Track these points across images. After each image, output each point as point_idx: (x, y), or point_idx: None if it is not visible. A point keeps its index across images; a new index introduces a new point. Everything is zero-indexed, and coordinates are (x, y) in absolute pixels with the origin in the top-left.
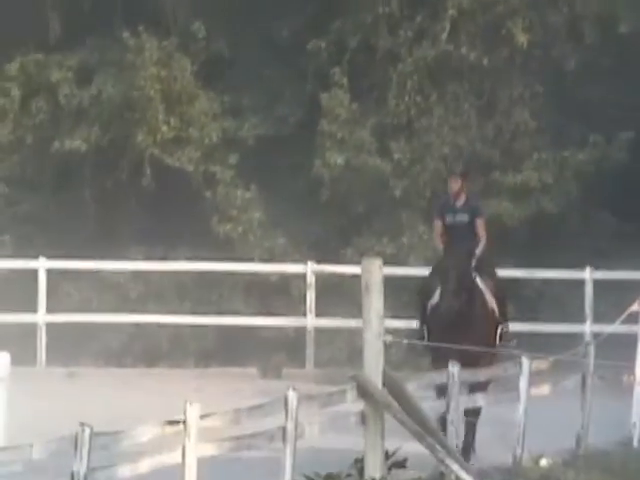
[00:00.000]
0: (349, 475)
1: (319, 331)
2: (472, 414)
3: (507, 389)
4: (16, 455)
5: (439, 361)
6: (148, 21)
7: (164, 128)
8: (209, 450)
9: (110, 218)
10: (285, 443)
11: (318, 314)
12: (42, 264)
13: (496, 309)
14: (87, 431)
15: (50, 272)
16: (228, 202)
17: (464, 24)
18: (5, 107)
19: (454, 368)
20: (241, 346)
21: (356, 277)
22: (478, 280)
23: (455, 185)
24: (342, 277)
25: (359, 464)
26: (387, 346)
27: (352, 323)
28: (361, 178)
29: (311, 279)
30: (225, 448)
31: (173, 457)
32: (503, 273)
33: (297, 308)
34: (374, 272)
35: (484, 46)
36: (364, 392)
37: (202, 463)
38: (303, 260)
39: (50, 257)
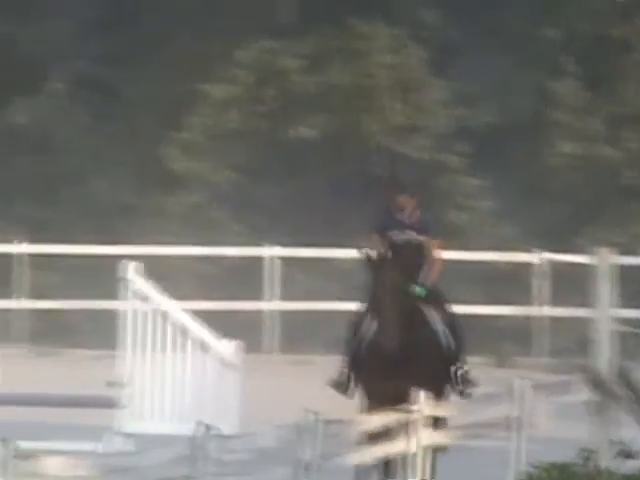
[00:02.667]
0: (576, 464)
1: (549, 320)
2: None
3: None
4: (247, 443)
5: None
6: (380, 9)
7: (395, 116)
8: (437, 438)
9: (340, 205)
10: (514, 432)
11: (548, 303)
12: (273, 252)
13: (452, 346)
14: (317, 418)
15: (281, 260)
16: (458, 190)
17: None
18: (237, 95)
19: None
20: (471, 335)
21: (586, 266)
22: (427, 310)
23: (407, 203)
24: (572, 266)
25: (585, 453)
26: (617, 335)
27: (582, 312)
28: (591, 167)
29: (541, 268)
30: (455, 437)
31: (399, 445)
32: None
33: (527, 297)
34: (605, 261)
35: None
36: (594, 381)
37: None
38: (533, 249)
39: (281, 245)
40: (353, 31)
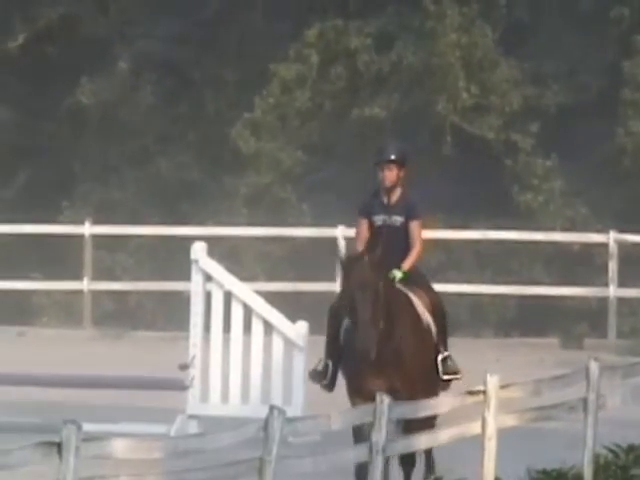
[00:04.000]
0: None
1: (621, 301)
2: (408, 462)
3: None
4: (315, 425)
5: (357, 401)
6: None
7: (465, 95)
8: (509, 421)
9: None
10: (586, 414)
11: (620, 284)
12: (340, 232)
13: (433, 329)
14: (386, 401)
15: (348, 240)
16: (529, 171)
17: None
18: (304, 74)
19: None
20: (542, 316)
21: None
22: (407, 291)
23: (390, 175)
24: None
25: None
26: None
27: None
28: None
29: (613, 249)
30: (525, 419)
31: (472, 428)
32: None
33: (599, 278)
34: None
35: None
36: None
37: (502, 434)
38: (605, 230)
39: (350, 225)
40: (421, 9)
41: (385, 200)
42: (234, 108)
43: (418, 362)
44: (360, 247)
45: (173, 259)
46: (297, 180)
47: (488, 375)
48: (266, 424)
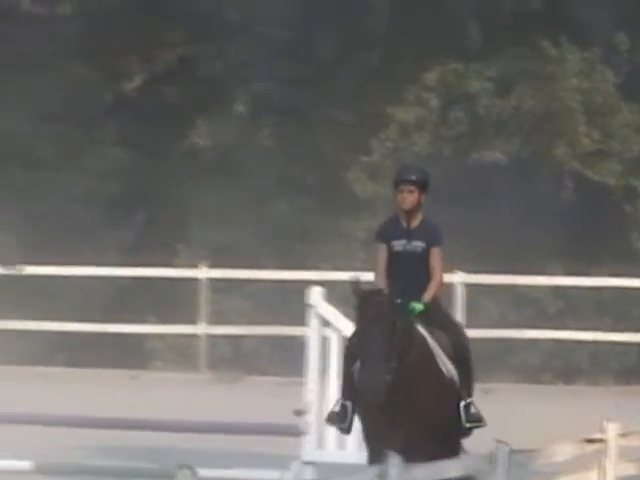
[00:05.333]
0: None
1: None
2: None
3: None
4: (430, 473)
5: (374, 457)
6: (569, 31)
7: (585, 140)
8: (629, 470)
9: (529, 231)
10: None
11: None
12: (460, 278)
13: (456, 377)
14: (504, 449)
15: (468, 286)
16: None
17: None
18: (423, 117)
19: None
20: None
21: None
22: (425, 335)
23: (410, 198)
24: None
25: None
26: None
27: None
28: None
29: None
30: None
31: (589, 476)
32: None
33: None
34: None
35: None
36: None
37: None
38: None
39: (468, 271)
40: (542, 53)
41: (405, 224)
42: (351, 151)
43: (434, 409)
44: (379, 275)
45: (289, 303)
46: None
47: (606, 422)
48: (382, 471)
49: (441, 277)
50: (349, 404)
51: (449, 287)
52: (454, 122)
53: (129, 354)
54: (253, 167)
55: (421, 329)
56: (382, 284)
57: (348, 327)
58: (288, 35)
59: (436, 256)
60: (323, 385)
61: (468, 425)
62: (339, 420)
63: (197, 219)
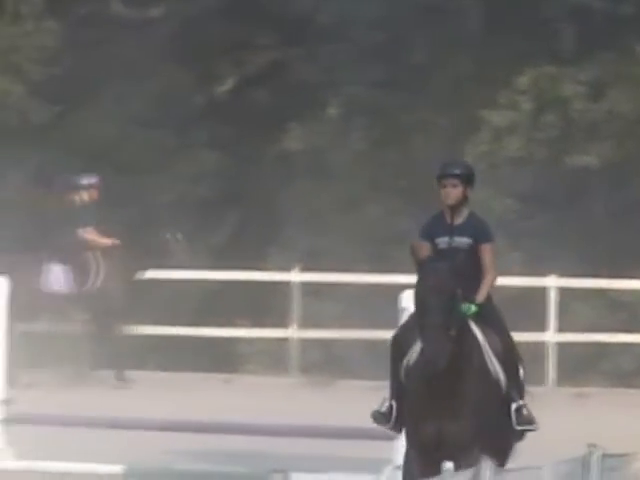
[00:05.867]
0: None
1: None
2: None
3: None
4: (526, 476)
5: (421, 462)
6: None
7: None
8: None
9: (622, 235)
10: None
11: None
12: (553, 282)
13: (502, 377)
14: (597, 453)
15: (561, 290)
16: None
17: None
18: (516, 121)
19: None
20: None
21: None
22: (476, 332)
23: (454, 192)
24: None
25: None
26: None
27: None
28: None
29: None
30: None
31: None
32: None
33: None
34: None
35: None
36: None
37: None
38: None
39: (561, 274)
40: (636, 57)
41: (449, 220)
42: (444, 155)
43: (480, 403)
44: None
45: (381, 307)
46: (509, 228)
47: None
48: (475, 475)
49: (494, 275)
50: (395, 404)
51: (541, 291)
52: (546, 126)
53: (221, 358)
54: (345, 170)
55: (473, 326)
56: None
57: None
58: (380, 38)
59: (487, 252)
60: None
61: (519, 428)
62: (384, 420)
63: (289, 222)
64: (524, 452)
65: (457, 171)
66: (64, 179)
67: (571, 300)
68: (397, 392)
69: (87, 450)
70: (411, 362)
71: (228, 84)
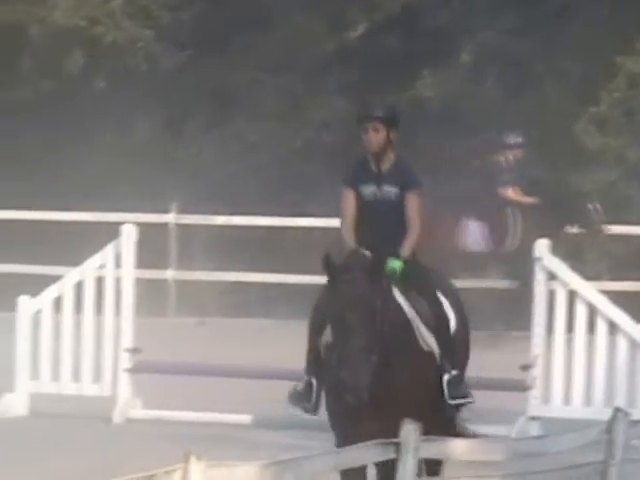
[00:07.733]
0: None
1: None
2: None
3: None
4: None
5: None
6: None
7: None
8: None
9: None
10: None
11: None
12: None
13: (435, 348)
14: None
15: None
16: None
17: None
18: None
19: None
20: None
21: None
22: (403, 304)
23: (377, 137)
24: None
25: None
26: None
27: None
28: None
29: None
30: None
31: None
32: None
33: None
34: None
35: None
36: None
37: None
38: None
39: None
40: None
41: (374, 168)
42: (578, 102)
43: (415, 394)
44: (346, 226)
45: None
46: None
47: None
48: (610, 427)
49: (420, 226)
50: (314, 381)
51: None
52: None
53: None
54: (477, 118)
55: (397, 295)
56: (349, 238)
57: (575, 280)
58: None
59: (413, 202)
60: (549, 339)
61: (451, 402)
62: (304, 399)
63: (419, 170)
64: None
65: (379, 113)
66: (490, 138)
67: None
68: (316, 368)
69: (212, 399)
70: (329, 342)
71: (359, 30)
